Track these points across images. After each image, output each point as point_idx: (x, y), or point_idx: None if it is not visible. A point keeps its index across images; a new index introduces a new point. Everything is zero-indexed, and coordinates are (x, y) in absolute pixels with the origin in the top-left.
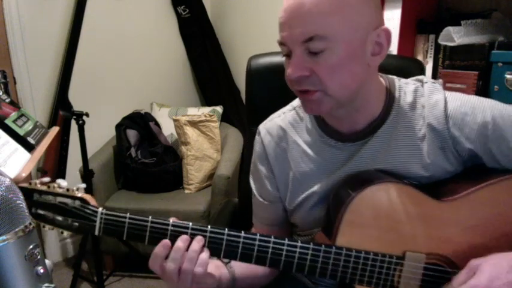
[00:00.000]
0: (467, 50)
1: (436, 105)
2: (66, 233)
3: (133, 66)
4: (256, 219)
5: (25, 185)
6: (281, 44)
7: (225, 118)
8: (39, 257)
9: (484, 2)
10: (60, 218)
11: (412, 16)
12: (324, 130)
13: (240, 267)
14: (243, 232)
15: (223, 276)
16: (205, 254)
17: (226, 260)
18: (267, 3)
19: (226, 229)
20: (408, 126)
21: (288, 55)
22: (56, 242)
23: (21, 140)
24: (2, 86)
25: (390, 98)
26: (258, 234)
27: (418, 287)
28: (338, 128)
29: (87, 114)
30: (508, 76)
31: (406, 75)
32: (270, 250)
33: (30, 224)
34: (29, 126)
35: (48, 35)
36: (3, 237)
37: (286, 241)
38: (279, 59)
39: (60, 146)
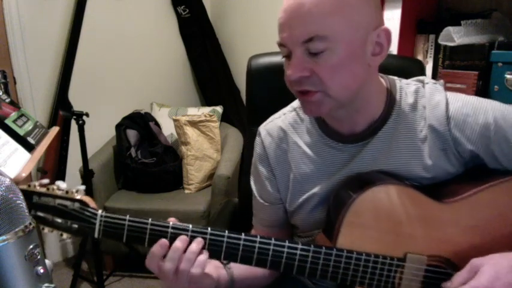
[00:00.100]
0: (467, 50)
1: (438, 106)
2: (65, 235)
3: (133, 66)
4: (256, 221)
5: (24, 187)
6: (281, 45)
7: (225, 118)
8: (39, 257)
9: (484, 2)
10: (59, 220)
11: (412, 16)
12: (324, 131)
13: (238, 268)
14: (243, 234)
15: (221, 277)
16: (203, 256)
17: (225, 261)
18: (267, 3)
19: (227, 231)
20: (409, 128)
21: (288, 56)
22: (56, 242)
23: (21, 140)
24: (2, 86)
25: (391, 99)
26: (259, 237)
27: None
28: (338, 129)
29: (87, 114)
30: (508, 76)
31: (406, 75)
32: (270, 252)
33: (30, 224)
34: (29, 126)
35: (48, 35)
36: (3, 237)
37: (287, 243)
38: (279, 59)
39: (60, 146)
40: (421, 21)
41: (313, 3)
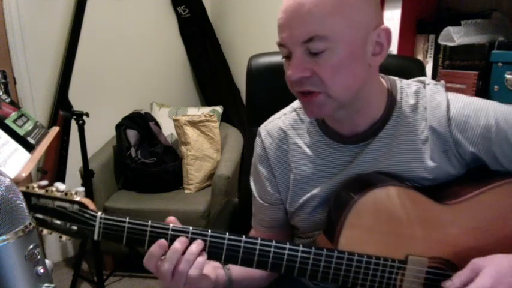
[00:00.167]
0: (467, 50)
1: (438, 107)
2: (64, 238)
3: (133, 66)
4: (255, 222)
5: (23, 188)
6: (280, 45)
7: (225, 118)
8: (39, 257)
9: (484, 2)
10: (58, 222)
11: (412, 16)
12: (324, 132)
13: (237, 269)
14: (244, 236)
15: (219, 278)
16: (202, 258)
17: None
18: (267, 3)
19: (227, 233)
20: (410, 129)
21: (288, 56)
22: (56, 242)
23: (21, 140)
24: (2, 86)
25: (392, 99)
26: (259, 239)
27: None
28: (339, 130)
29: (87, 114)
30: (508, 76)
31: (406, 75)
32: (271, 255)
33: (30, 224)
34: (29, 126)
35: (48, 35)
36: (3, 237)
37: (288, 245)
38: (279, 59)
39: (60, 146)
40: (421, 21)
41: (313, 4)
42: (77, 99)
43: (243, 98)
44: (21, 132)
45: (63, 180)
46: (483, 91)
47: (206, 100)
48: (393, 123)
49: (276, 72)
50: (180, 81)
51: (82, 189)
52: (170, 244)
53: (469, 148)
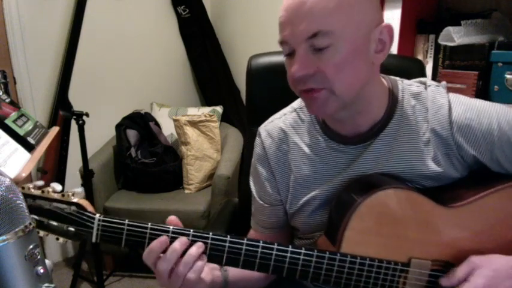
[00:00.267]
0: (467, 50)
1: (440, 109)
2: (61, 240)
3: (133, 66)
4: (255, 222)
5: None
6: (283, 43)
7: (225, 118)
8: (39, 257)
9: (484, 2)
10: (55, 224)
11: (412, 16)
12: (325, 133)
13: (234, 270)
14: (245, 239)
15: (215, 279)
16: (201, 261)
17: None
18: (267, 3)
19: (229, 236)
20: (412, 130)
21: (290, 54)
22: (56, 242)
23: (21, 140)
24: (2, 86)
25: (393, 100)
26: (261, 242)
27: None
28: (340, 131)
29: (87, 114)
30: (508, 76)
31: (406, 75)
32: (273, 257)
33: (30, 224)
34: (29, 126)
35: (48, 35)
36: (3, 237)
37: (290, 248)
38: (279, 58)
39: (60, 146)
40: (421, 21)
41: (315, 2)
42: (77, 99)
43: (243, 98)
44: (21, 132)
45: (63, 180)
46: (483, 91)
47: (206, 100)
48: (395, 124)
49: (276, 72)
50: (180, 81)
51: (80, 189)
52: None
53: (471, 151)
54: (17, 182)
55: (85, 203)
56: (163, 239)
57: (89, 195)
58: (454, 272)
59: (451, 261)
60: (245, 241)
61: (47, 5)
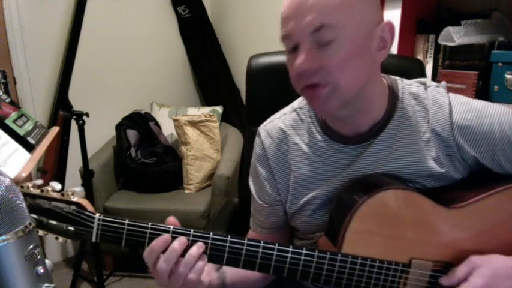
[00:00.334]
0: (467, 50)
1: (441, 110)
2: (61, 239)
3: (133, 66)
4: (254, 223)
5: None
6: (285, 37)
7: (225, 118)
8: (39, 257)
9: (484, 2)
10: (54, 223)
11: (412, 16)
12: (325, 132)
13: (231, 272)
14: (246, 240)
15: (212, 282)
16: (202, 261)
17: (217, 265)
18: (267, 3)
19: (229, 236)
20: (412, 129)
21: (294, 49)
22: (56, 242)
23: (21, 140)
24: (2, 86)
25: (393, 99)
26: (262, 242)
27: None
28: (340, 131)
29: (87, 114)
30: (508, 76)
31: (406, 75)
32: (273, 258)
33: (30, 224)
34: (29, 126)
35: (48, 35)
36: (3, 237)
37: (291, 248)
38: (279, 58)
39: (60, 146)
40: (421, 21)
41: None
42: (77, 99)
43: (243, 98)
44: (21, 132)
45: (63, 180)
46: (483, 91)
47: (206, 100)
48: (395, 124)
49: (276, 72)
50: (180, 81)
51: (79, 189)
52: None
53: (471, 152)
54: (17, 182)
55: (85, 203)
56: (165, 237)
57: (89, 195)
58: (454, 271)
59: (452, 262)
60: (246, 241)
61: (47, 5)
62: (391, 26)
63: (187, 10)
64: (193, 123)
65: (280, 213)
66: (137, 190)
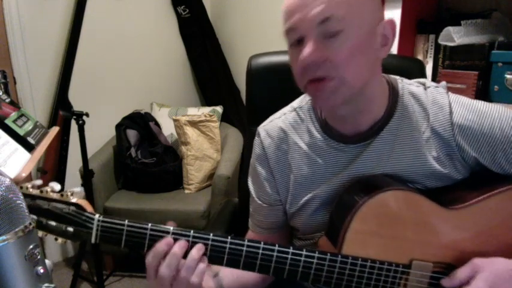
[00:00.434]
0: (467, 50)
1: (440, 111)
2: (60, 240)
3: (133, 66)
4: (253, 223)
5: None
6: (289, 30)
7: (225, 118)
8: (39, 257)
9: (484, 2)
10: (53, 224)
11: (412, 16)
12: (325, 132)
13: (228, 279)
14: (246, 241)
15: (209, 286)
16: (203, 264)
17: (214, 272)
18: (267, 3)
19: (229, 237)
20: (412, 129)
21: (299, 41)
22: (56, 242)
23: (21, 140)
24: (2, 86)
25: (393, 99)
26: (262, 243)
27: None
28: (340, 130)
29: (87, 114)
30: (508, 76)
31: (406, 75)
32: (274, 259)
33: (30, 224)
34: (29, 126)
35: (48, 35)
36: (3, 237)
37: (291, 249)
38: (279, 58)
39: (60, 146)
40: (421, 21)
41: None
42: (77, 99)
43: (243, 98)
44: (21, 132)
45: (63, 180)
46: (483, 91)
47: (206, 100)
48: (395, 123)
49: (276, 72)
50: (180, 81)
51: (79, 189)
52: None
53: (472, 153)
54: (17, 182)
55: (84, 203)
56: (168, 240)
57: (89, 195)
58: (455, 273)
59: (453, 263)
60: (246, 242)
61: (47, 5)
62: (392, 23)
63: (187, 10)
64: (193, 123)
65: (279, 213)
66: (137, 190)
